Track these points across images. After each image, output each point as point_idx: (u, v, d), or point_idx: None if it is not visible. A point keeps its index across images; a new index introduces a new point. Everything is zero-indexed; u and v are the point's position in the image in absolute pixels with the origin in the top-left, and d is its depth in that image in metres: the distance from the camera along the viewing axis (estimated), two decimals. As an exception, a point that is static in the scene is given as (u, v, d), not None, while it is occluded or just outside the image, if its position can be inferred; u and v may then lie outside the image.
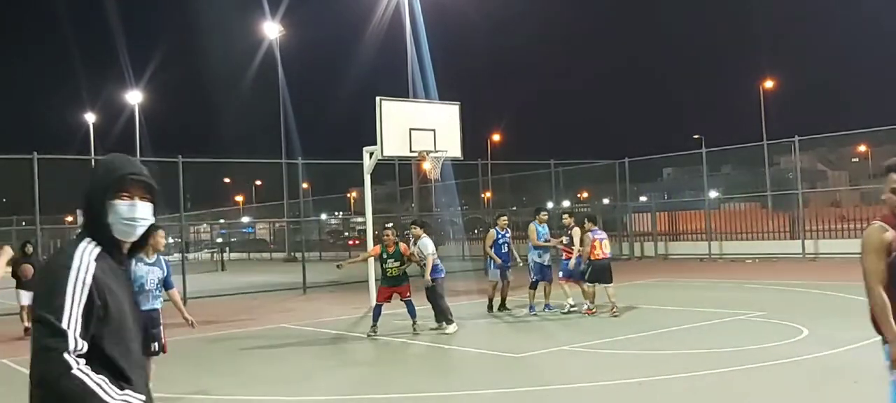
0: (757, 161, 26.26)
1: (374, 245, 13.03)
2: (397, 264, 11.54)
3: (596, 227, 12.87)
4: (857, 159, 64.10)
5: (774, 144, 26.77)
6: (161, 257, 7.25)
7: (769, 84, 51.56)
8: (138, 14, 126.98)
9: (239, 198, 60.85)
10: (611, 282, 12.43)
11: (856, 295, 13.38)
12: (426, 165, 15.04)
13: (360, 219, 35.16)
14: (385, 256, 11.62)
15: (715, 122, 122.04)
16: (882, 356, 3.65)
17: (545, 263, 13.25)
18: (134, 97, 52.53)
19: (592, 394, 7.49)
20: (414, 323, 11.45)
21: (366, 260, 13.45)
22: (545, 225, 13.41)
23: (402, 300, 11.59)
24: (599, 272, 12.34)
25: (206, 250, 40.67)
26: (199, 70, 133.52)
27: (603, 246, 12.57)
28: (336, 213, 45.43)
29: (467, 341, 10.77)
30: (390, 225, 12.40)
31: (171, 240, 42.34)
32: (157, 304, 7.21)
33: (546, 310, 13.04)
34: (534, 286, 13.21)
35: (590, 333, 10.72)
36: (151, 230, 2.50)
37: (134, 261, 7.28)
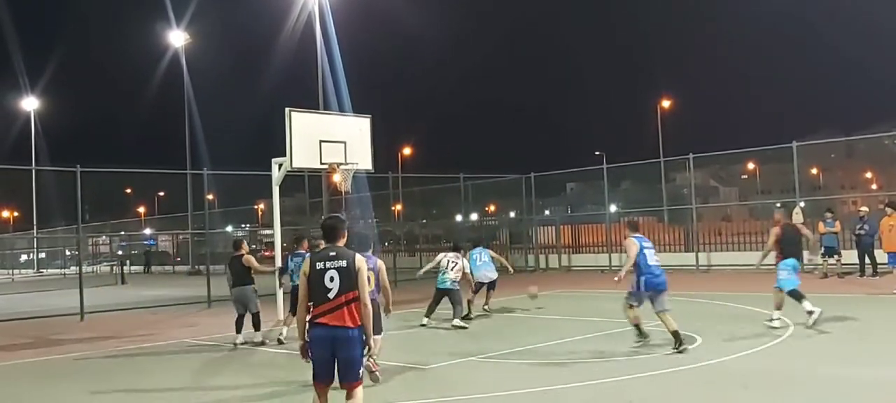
0: (654, 177, 27.16)
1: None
2: None
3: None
4: (746, 176, 67.58)
5: (670, 161, 27.75)
6: None
7: (666, 104, 53.93)
8: (36, 18, 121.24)
9: (141, 210, 58.83)
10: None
11: (745, 304, 14.20)
12: (336, 177, 15.02)
13: (267, 232, 34.59)
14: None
15: (616, 140, 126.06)
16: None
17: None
18: (30, 104, 50.27)
19: (500, 403, 7.70)
20: None
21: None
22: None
23: None
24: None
25: (104, 263, 39.15)
26: (102, 77, 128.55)
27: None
28: (243, 225, 44.48)
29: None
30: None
31: (68, 253, 40.61)
32: None
33: None
34: None
35: (497, 343, 10.96)
36: None
37: None
